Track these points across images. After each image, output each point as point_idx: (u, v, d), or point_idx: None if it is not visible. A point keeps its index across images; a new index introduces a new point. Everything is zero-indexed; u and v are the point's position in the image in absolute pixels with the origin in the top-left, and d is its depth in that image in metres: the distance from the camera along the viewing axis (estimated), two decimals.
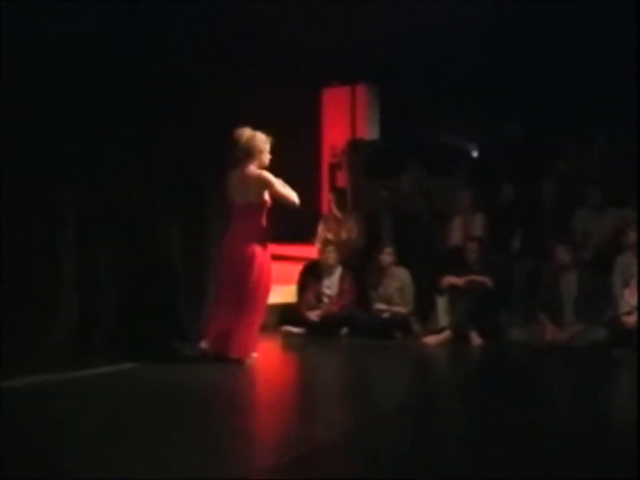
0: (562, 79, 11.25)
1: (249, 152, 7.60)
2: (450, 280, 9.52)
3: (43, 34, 7.18)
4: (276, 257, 11.98)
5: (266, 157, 7.69)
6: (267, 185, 7.56)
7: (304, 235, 11.20)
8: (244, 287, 7.58)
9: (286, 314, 10.13)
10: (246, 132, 7.65)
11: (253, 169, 7.59)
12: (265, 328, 9.68)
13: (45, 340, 7.16)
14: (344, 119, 13.08)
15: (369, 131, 13.18)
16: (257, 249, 7.69)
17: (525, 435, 5.06)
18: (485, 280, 9.40)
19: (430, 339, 9.30)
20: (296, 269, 10.73)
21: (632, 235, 9.09)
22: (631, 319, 8.68)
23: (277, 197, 7.62)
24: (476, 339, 9.14)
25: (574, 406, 6.21)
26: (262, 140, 7.68)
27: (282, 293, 10.56)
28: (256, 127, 10.20)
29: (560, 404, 6.33)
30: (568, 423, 5.55)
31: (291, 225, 11.34)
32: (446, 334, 9.31)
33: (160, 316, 8.34)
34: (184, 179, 8.69)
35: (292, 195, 7.67)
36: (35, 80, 7.07)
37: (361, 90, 13.07)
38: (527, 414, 5.65)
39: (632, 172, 10.47)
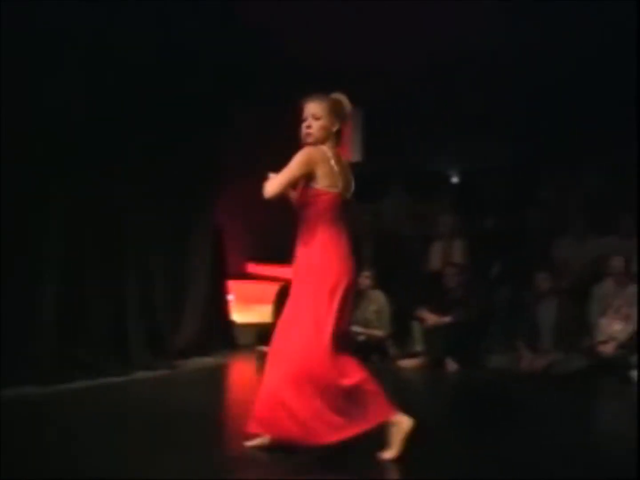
0: (550, 107, 11.27)
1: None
2: (422, 316, 9.50)
3: None
4: (253, 277, 12.02)
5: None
6: None
7: (282, 256, 11.12)
8: None
9: (262, 334, 10.01)
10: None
11: None
12: (241, 347, 9.70)
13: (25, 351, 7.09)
14: None
15: (352, 154, 13.13)
16: None
17: (499, 461, 5.01)
18: (455, 317, 9.35)
19: (406, 363, 9.25)
20: (273, 288, 10.65)
21: (613, 263, 9.07)
22: (607, 348, 8.67)
23: None
24: (451, 365, 9.09)
25: (547, 434, 6.15)
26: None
27: (259, 313, 10.50)
28: (240, 147, 10.23)
29: (534, 432, 6.27)
30: (542, 450, 5.50)
31: (269, 245, 11.32)
32: (422, 358, 9.26)
33: (140, 330, 8.27)
34: (168, 200, 8.64)
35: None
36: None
37: None
38: (499, 441, 5.61)
39: (616, 201, 10.50)
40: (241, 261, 12.15)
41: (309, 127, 5.27)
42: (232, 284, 10.47)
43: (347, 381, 4.88)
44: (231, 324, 10.16)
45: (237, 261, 11.73)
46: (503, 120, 11.80)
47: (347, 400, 4.87)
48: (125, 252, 8.13)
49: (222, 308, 10.05)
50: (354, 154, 13.14)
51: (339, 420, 4.81)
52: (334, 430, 4.79)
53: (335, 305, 4.99)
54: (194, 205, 8.97)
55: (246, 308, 10.67)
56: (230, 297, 10.29)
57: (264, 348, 9.69)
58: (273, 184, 5.06)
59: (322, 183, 5.13)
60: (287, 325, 5.02)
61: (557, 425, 6.48)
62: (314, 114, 5.28)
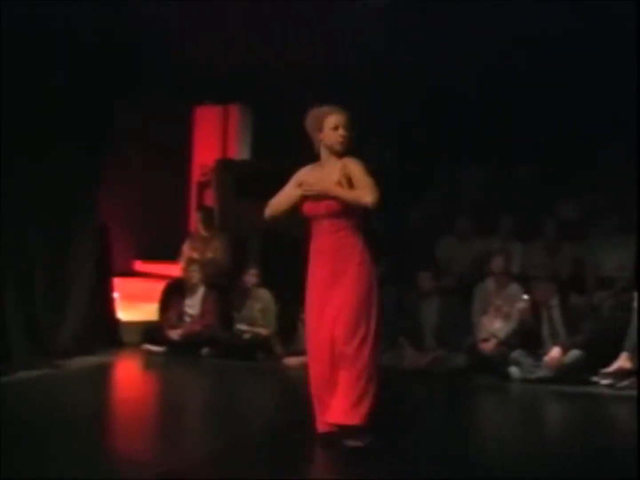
0: (435, 108, 11.45)
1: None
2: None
3: None
4: (140, 275, 11.94)
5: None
6: None
7: (169, 254, 11.08)
8: None
9: (148, 332, 9.96)
10: None
11: None
12: (126, 346, 9.62)
13: None
14: (215, 138, 13.02)
15: (240, 151, 13.14)
16: None
17: (381, 454, 5.10)
18: None
19: (292, 361, 9.28)
20: (160, 286, 10.59)
21: (494, 263, 9.27)
22: (489, 346, 8.87)
23: None
24: None
25: (428, 428, 6.28)
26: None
27: (145, 311, 10.44)
28: (127, 142, 10.15)
29: (416, 427, 6.38)
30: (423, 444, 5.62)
31: (156, 242, 11.27)
32: (307, 356, 9.30)
33: (20, 329, 8.12)
34: (48, 197, 8.50)
35: None
36: None
37: (234, 109, 13.03)
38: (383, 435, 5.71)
39: (500, 203, 10.75)
40: (128, 259, 12.06)
41: (343, 136, 5.55)
42: (118, 282, 10.36)
43: None
44: (116, 322, 10.05)
45: (124, 259, 11.64)
46: (389, 122, 11.96)
47: None
48: (3, 251, 7.95)
49: (107, 306, 9.93)
50: (242, 152, 13.15)
51: None
52: None
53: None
54: (75, 203, 8.83)
55: (132, 306, 10.58)
56: (115, 295, 10.19)
57: (150, 346, 9.74)
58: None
59: None
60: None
61: (439, 421, 6.62)
62: (347, 125, 5.59)
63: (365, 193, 5.37)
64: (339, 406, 5.21)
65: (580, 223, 10.36)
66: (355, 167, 5.53)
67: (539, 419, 7.34)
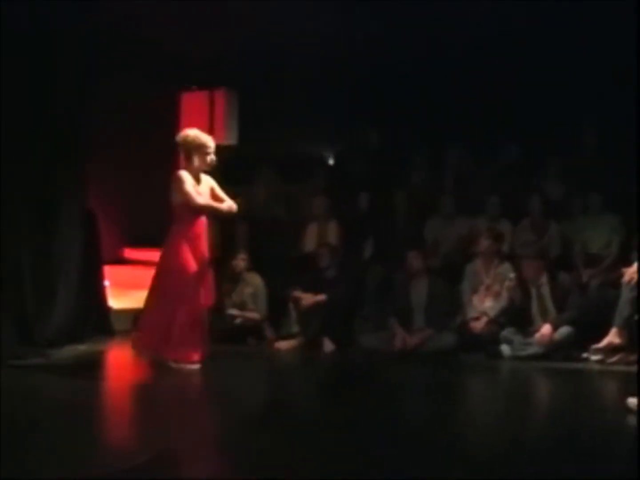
0: (419, 88, 11.46)
1: (186, 152, 7.75)
2: (296, 296, 9.57)
3: None
4: (130, 262, 11.92)
5: (208, 158, 7.77)
6: (176, 184, 7.64)
7: (159, 240, 11.07)
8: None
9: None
10: (190, 132, 7.86)
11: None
12: (118, 333, 9.62)
13: None
14: (202, 123, 12.97)
15: (227, 136, 13.09)
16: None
17: (374, 435, 5.13)
18: (329, 296, 9.45)
19: (283, 345, 9.32)
20: (150, 273, 10.58)
21: (483, 243, 9.32)
22: (478, 325, 8.93)
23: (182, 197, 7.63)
24: (328, 345, 9.20)
25: (419, 409, 6.33)
26: (202, 140, 7.78)
27: (136, 298, 10.42)
28: (112, 127, 10.13)
29: (407, 407, 6.43)
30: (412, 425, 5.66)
31: (145, 229, 11.24)
32: (298, 339, 9.35)
33: (8, 319, 8.10)
34: (34, 188, 8.46)
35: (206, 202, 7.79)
36: None
37: (220, 95, 13.00)
38: (374, 416, 5.75)
39: (485, 184, 10.77)
40: (118, 246, 12.05)
41: (214, 160, 7.83)
42: (108, 270, 10.36)
43: None
44: (108, 310, 10.04)
45: (113, 246, 11.63)
46: (374, 103, 11.96)
47: None
48: None
49: (97, 294, 9.91)
50: (228, 138, 13.12)
51: None
52: None
53: None
54: (61, 190, 8.79)
55: (123, 293, 10.57)
56: (106, 283, 10.18)
57: None
58: None
59: None
60: None
61: (429, 401, 6.67)
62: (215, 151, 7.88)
63: (232, 204, 7.86)
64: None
65: (566, 201, 10.41)
66: (215, 184, 7.90)
67: (530, 396, 7.40)
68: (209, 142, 7.78)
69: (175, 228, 7.79)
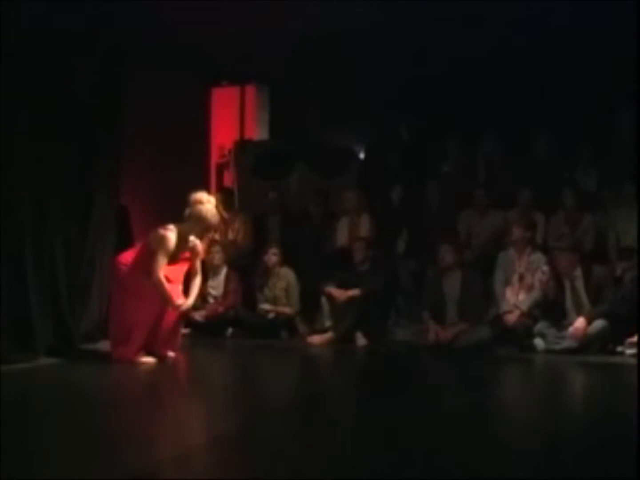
0: (451, 80, 11.40)
1: (195, 218, 7.51)
2: (330, 291, 9.55)
3: None
4: None
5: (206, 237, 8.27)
6: (155, 244, 7.48)
7: None
8: None
9: None
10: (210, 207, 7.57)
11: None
12: None
13: None
14: (233, 118, 13.02)
15: (258, 131, 13.14)
16: None
17: (410, 430, 5.10)
18: (362, 291, 9.43)
19: (315, 339, 9.32)
20: (182, 268, 10.60)
21: (515, 232, 9.25)
22: (512, 318, 8.87)
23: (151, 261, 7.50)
24: (361, 340, 9.20)
25: (455, 403, 6.28)
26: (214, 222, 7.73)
27: None
28: (145, 124, 10.15)
29: (442, 402, 6.40)
30: (449, 419, 5.63)
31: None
32: (331, 334, 9.34)
33: (44, 316, 8.11)
34: (68, 184, 8.48)
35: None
36: None
37: (251, 90, 13.03)
38: (408, 411, 5.71)
39: (517, 175, 10.69)
40: None
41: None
42: None
43: None
44: None
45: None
46: (405, 95, 11.92)
47: None
48: (24, 236, 7.88)
49: None
50: (259, 132, 13.15)
51: None
52: None
53: None
54: (95, 185, 8.80)
55: None
56: None
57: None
58: None
59: None
60: None
61: (464, 396, 6.62)
62: None
63: (195, 291, 8.05)
64: None
65: (599, 193, 10.32)
66: (199, 243, 7.80)
67: (565, 390, 7.34)
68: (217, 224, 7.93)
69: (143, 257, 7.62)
